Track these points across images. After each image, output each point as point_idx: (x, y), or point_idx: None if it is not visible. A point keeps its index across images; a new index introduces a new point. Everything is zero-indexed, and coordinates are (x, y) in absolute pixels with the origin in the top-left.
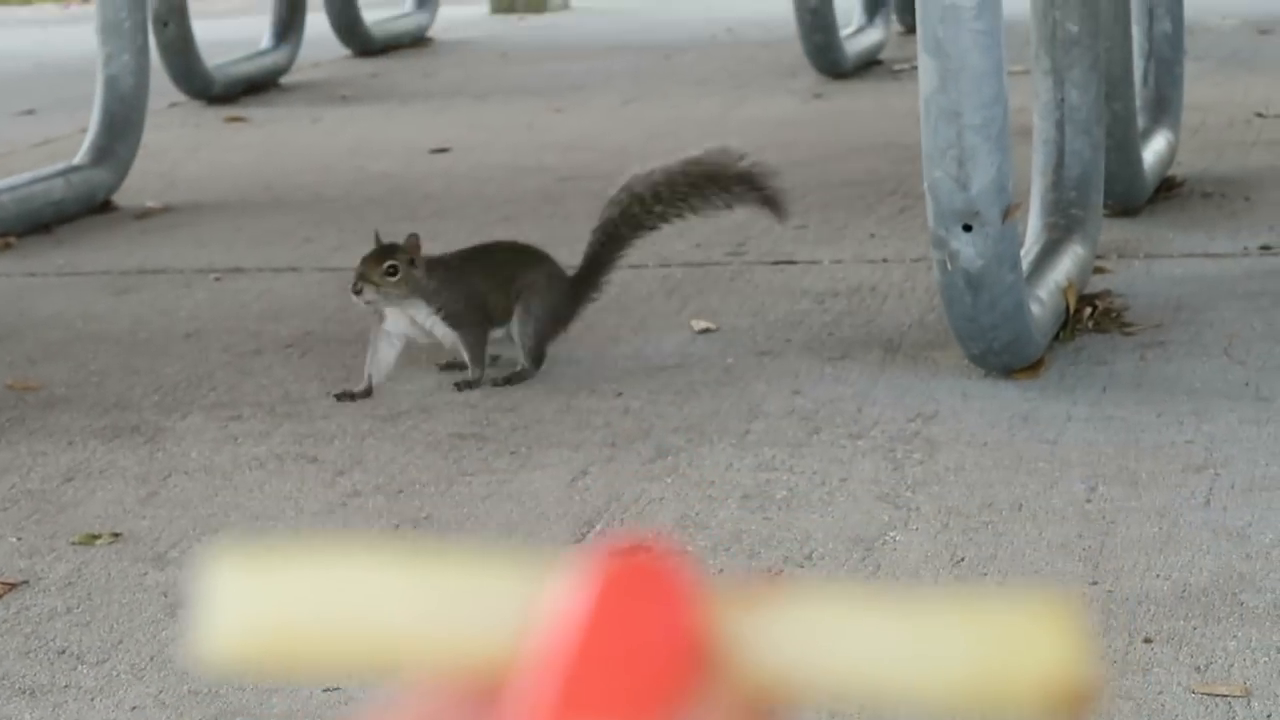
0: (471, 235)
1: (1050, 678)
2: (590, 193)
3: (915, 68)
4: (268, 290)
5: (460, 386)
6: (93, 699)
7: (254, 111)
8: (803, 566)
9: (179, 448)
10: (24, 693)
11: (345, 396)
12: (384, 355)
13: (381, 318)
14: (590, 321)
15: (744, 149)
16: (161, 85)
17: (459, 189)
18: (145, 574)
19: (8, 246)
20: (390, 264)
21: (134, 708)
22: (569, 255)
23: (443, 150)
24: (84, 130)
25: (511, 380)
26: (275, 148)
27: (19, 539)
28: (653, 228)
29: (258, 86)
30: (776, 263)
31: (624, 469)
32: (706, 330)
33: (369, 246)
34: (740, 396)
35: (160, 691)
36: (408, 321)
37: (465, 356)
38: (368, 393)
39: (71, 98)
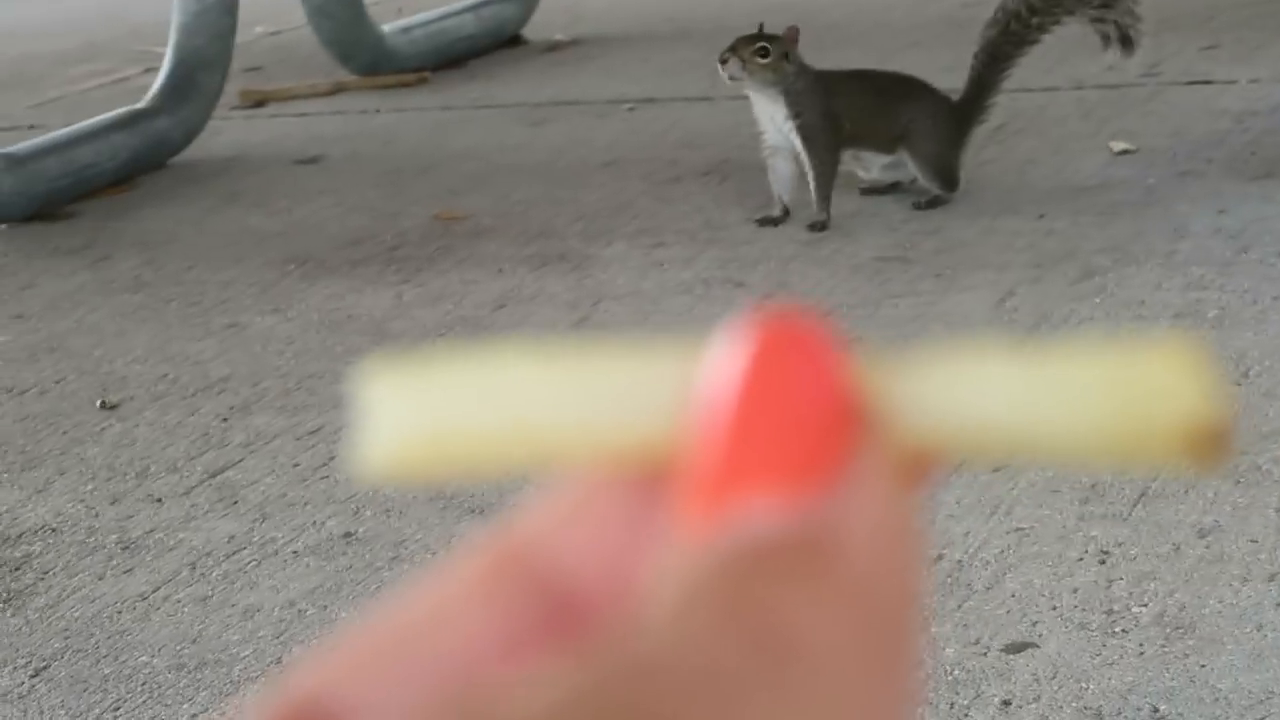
0: (879, 62)
1: (1189, 419)
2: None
3: None
4: (681, 119)
5: (814, 227)
6: None
7: None
8: (1239, 385)
9: (606, 274)
10: (473, 512)
11: (766, 222)
12: (782, 172)
13: (762, 132)
14: (1007, 144)
15: None
16: None
17: (863, 18)
18: None
19: (423, 81)
20: (762, 45)
21: None
22: None
23: None
24: None
25: (933, 204)
26: None
27: None
28: (1034, 41)
29: None
30: (1192, 83)
31: (1051, 290)
32: (1125, 151)
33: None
34: (1164, 217)
35: None
36: (768, 119)
37: (811, 186)
38: (785, 214)
39: None
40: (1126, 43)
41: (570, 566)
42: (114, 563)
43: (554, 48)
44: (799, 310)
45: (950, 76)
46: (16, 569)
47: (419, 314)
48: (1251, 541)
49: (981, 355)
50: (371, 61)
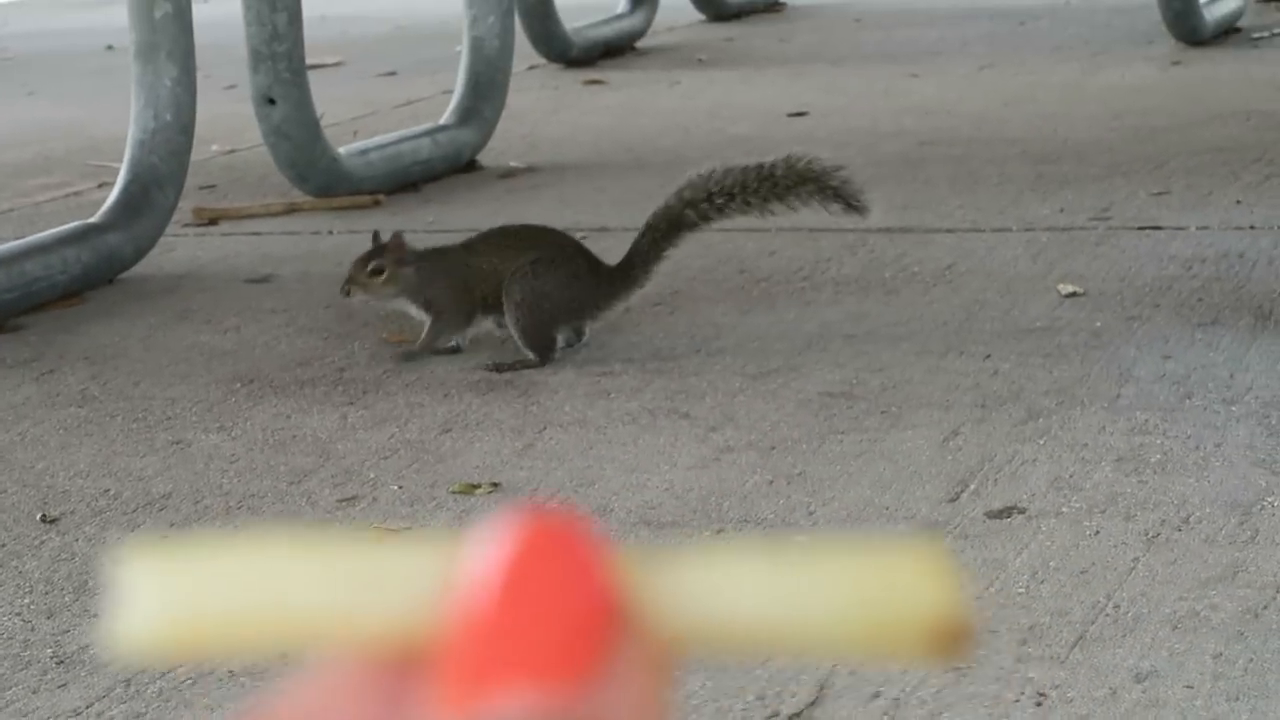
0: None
1: (930, 618)
2: (951, 158)
3: (1276, 35)
4: None
5: (403, 356)
6: None
7: (612, 75)
8: (1180, 530)
9: (552, 401)
10: None
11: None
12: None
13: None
14: (956, 284)
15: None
16: (520, 48)
17: (818, 152)
18: None
19: (377, 204)
20: (375, 264)
21: None
22: (934, 218)
23: (800, 114)
24: (445, 92)
25: (515, 367)
26: (634, 110)
27: (400, 487)
28: (705, 227)
29: (614, 50)
30: (1142, 228)
31: (996, 430)
32: (1074, 294)
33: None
34: (1110, 360)
35: None
36: (410, 315)
37: (425, 340)
38: (458, 349)
39: (430, 60)
40: (855, 204)
41: None
42: (48, 677)
43: (509, 174)
44: (562, 509)
45: (903, 215)
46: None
47: (364, 436)
48: (1187, 687)
49: (739, 553)
50: (326, 183)
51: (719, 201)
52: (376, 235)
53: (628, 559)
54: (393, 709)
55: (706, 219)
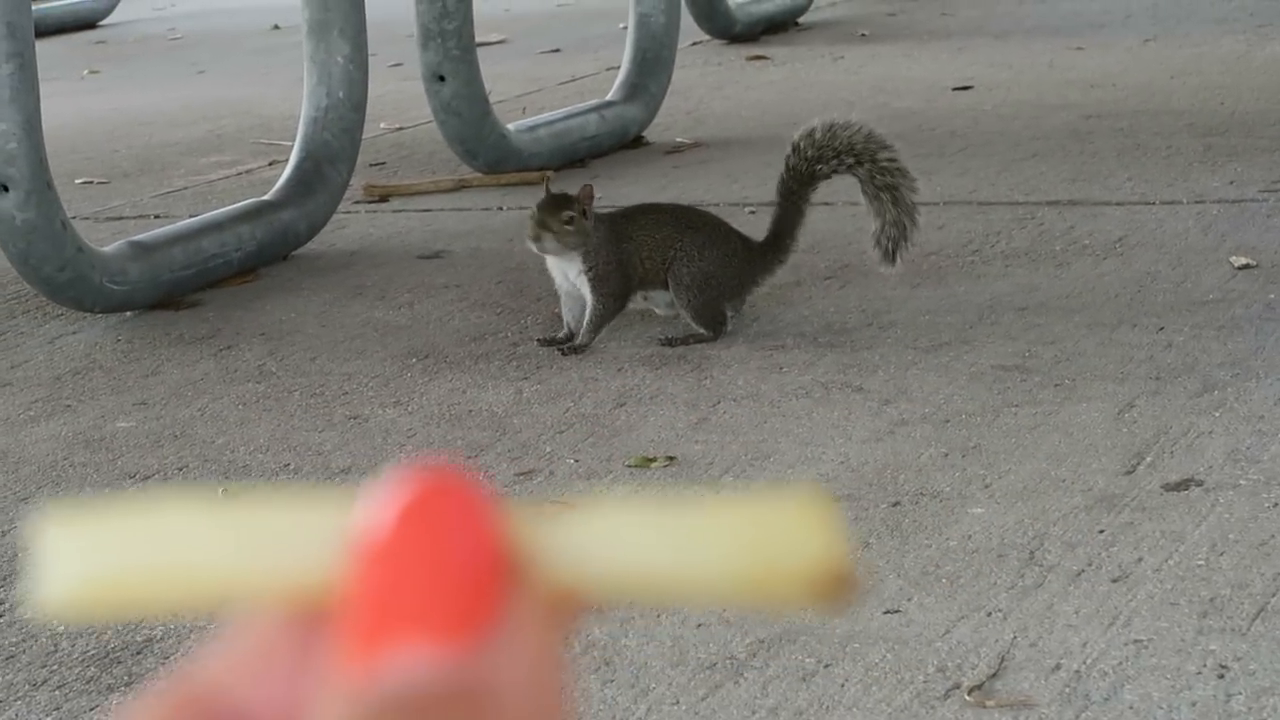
0: (1000, 172)
1: (813, 564)
2: (1117, 130)
3: None
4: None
5: (564, 351)
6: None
7: (775, 50)
8: None
9: (725, 375)
10: None
11: (549, 342)
12: (570, 306)
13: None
14: (1127, 257)
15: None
16: (683, 25)
17: (984, 126)
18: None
19: (545, 180)
20: (568, 213)
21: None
22: (1102, 191)
23: (965, 88)
24: (609, 69)
25: (684, 342)
26: (798, 85)
27: (576, 461)
28: (824, 177)
29: (777, 26)
30: None
31: (1171, 403)
32: (1246, 266)
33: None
34: None
35: None
36: (561, 272)
37: (585, 318)
38: (570, 336)
39: (593, 37)
40: (889, 257)
41: (246, 712)
42: None
43: (675, 150)
44: (452, 464)
45: (1070, 188)
46: (138, 653)
47: (539, 410)
48: None
49: (626, 506)
50: (495, 159)
51: (833, 157)
52: (548, 181)
53: (518, 514)
54: (304, 667)
55: (830, 172)
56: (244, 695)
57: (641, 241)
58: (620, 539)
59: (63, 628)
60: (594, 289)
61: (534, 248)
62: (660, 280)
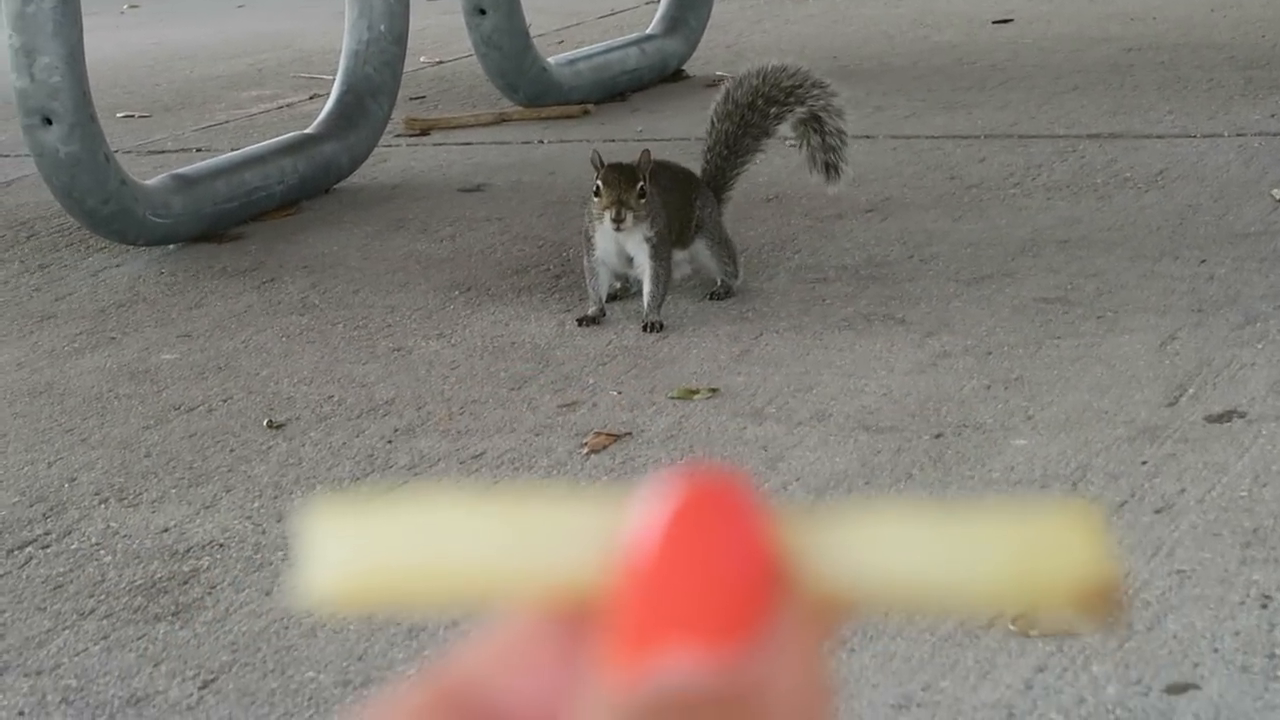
0: (1041, 105)
1: (1082, 580)
2: (1158, 64)
3: None
4: None
5: (649, 328)
6: None
7: None
8: None
9: (768, 307)
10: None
11: (586, 321)
12: (604, 279)
13: (591, 246)
14: (1168, 190)
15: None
16: None
17: (1025, 59)
18: (744, 428)
19: (585, 113)
20: (641, 184)
21: None
22: (1143, 124)
23: (1005, 21)
24: (648, 3)
25: (727, 293)
26: (837, 19)
27: (619, 392)
28: (770, 134)
29: None
30: None
31: (1213, 334)
32: None
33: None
34: None
35: None
36: (616, 246)
37: (647, 292)
38: (602, 313)
39: None
40: (831, 170)
41: (504, 707)
42: (281, 579)
43: (715, 84)
44: (724, 469)
45: (1111, 121)
46: (185, 583)
47: (582, 342)
48: None
49: (892, 514)
50: (535, 93)
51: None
52: (598, 156)
53: (789, 519)
54: (565, 666)
55: (775, 120)
56: (502, 691)
57: (668, 204)
58: (889, 546)
59: (109, 556)
60: (654, 255)
61: (615, 228)
62: (681, 241)
